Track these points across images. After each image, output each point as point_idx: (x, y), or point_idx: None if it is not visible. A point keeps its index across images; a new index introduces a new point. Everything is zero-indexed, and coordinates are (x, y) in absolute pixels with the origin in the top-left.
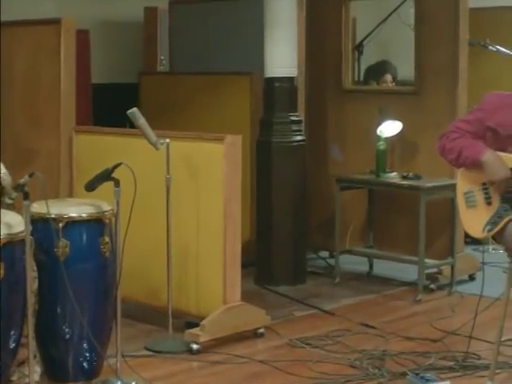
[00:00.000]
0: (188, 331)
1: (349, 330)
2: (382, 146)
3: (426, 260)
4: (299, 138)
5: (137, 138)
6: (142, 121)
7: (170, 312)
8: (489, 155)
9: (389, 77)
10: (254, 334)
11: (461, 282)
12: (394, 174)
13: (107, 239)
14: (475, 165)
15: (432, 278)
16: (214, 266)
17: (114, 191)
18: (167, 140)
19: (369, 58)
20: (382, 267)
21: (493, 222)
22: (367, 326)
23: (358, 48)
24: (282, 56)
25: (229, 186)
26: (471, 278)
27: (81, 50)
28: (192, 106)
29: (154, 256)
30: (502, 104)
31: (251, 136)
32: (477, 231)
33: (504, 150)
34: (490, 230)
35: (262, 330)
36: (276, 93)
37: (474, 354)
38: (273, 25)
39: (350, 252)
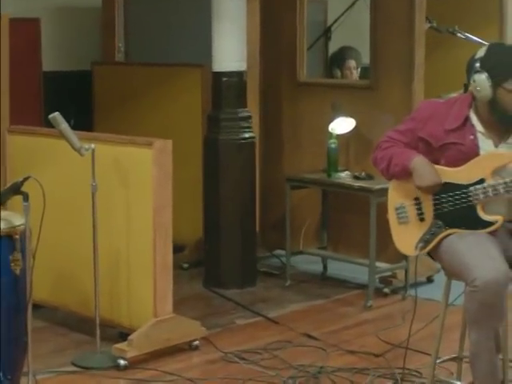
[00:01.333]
0: (115, 346)
1: (289, 341)
2: (333, 144)
3: (379, 263)
4: (248, 135)
5: None
6: (64, 126)
7: (97, 326)
8: (417, 160)
9: (352, 63)
10: (189, 347)
11: (418, 284)
12: (346, 173)
13: (18, 255)
14: (405, 172)
15: (386, 281)
16: (144, 277)
17: (23, 206)
18: (92, 146)
19: (337, 45)
20: (337, 267)
21: (425, 240)
22: (309, 336)
23: (326, 33)
24: (230, 49)
25: (159, 193)
26: (429, 280)
27: (30, 40)
28: (144, 98)
29: (86, 264)
30: (434, 113)
31: (203, 132)
32: (408, 249)
33: (437, 163)
34: (422, 248)
35: (196, 343)
36: (224, 88)
37: (415, 370)
38: (220, 17)
39: (302, 253)
